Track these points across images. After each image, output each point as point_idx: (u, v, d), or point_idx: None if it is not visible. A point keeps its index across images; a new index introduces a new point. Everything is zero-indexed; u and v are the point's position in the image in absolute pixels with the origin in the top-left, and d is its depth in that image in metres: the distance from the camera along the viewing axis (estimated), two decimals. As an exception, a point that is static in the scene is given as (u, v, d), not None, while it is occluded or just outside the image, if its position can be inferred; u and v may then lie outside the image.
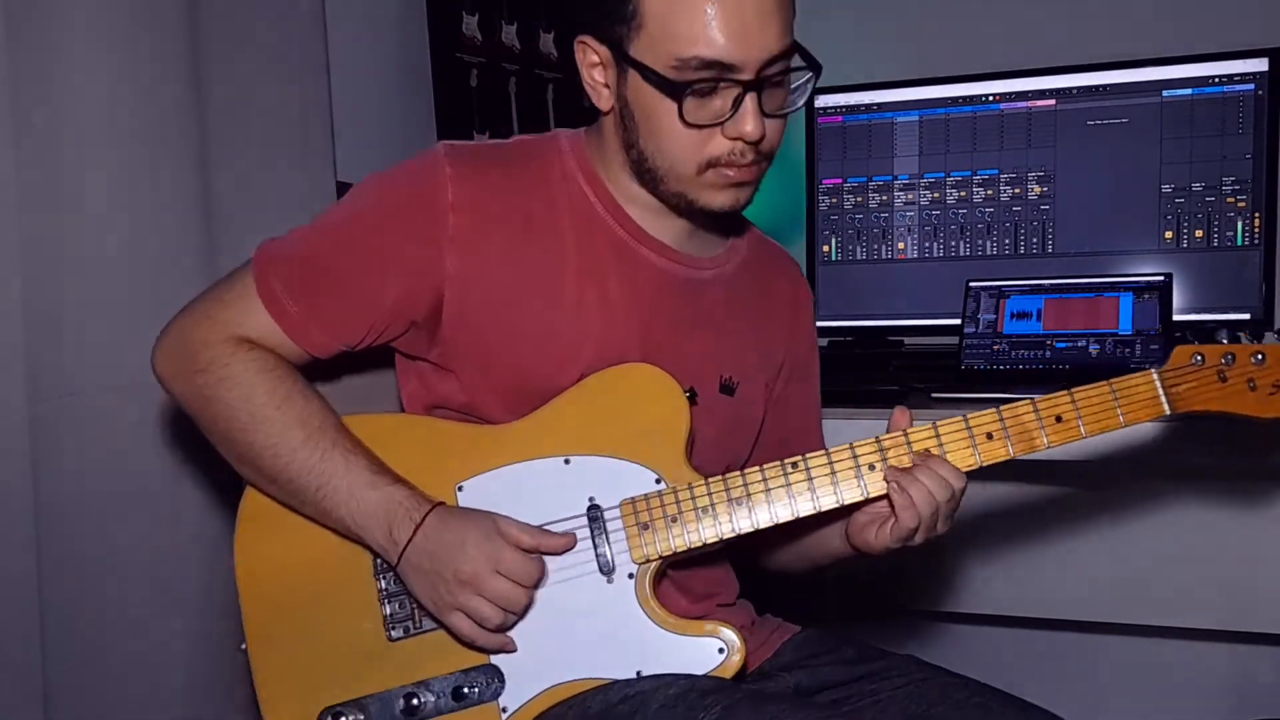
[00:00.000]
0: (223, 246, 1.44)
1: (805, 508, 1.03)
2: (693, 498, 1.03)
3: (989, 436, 1.04)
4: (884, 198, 1.93)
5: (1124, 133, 1.79)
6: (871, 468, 1.03)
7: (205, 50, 1.44)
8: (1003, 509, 1.73)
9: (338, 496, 1.02)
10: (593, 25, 1.04)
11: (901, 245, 1.92)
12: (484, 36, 1.96)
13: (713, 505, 1.03)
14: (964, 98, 1.87)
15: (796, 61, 1.02)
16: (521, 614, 1.01)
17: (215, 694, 1.42)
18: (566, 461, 1.05)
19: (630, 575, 1.03)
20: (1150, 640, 1.96)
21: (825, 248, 1.96)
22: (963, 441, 1.04)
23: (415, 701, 1.02)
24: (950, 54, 2.04)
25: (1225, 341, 1.05)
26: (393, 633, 1.04)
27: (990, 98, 1.86)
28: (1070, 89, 1.81)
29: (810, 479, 1.04)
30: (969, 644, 2.07)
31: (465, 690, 1.02)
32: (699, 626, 1.02)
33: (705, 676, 1.00)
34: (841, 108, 1.94)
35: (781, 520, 1.03)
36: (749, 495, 1.03)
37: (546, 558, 1.02)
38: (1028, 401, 1.04)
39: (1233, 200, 1.73)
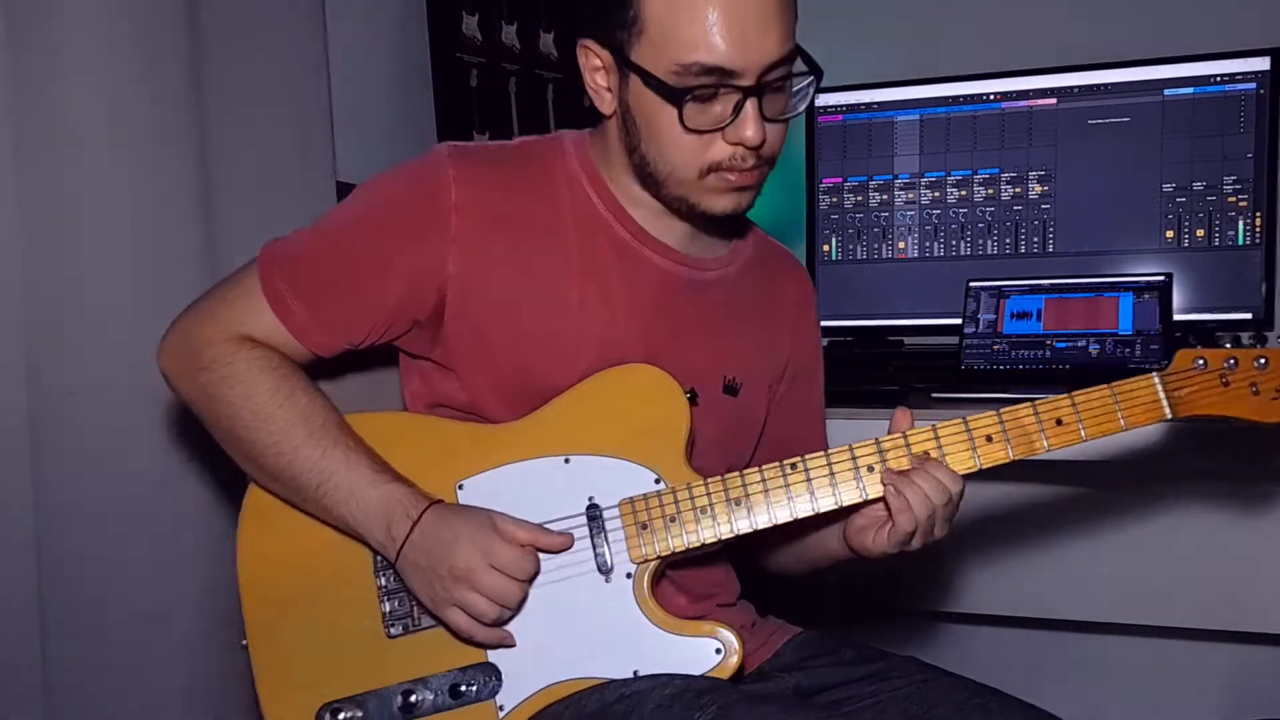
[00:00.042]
0: (223, 246, 1.44)
1: (803, 509, 1.03)
2: (691, 498, 1.03)
3: (988, 439, 1.03)
4: (884, 197, 1.92)
5: (1125, 132, 1.78)
6: (870, 469, 1.03)
7: (205, 50, 1.44)
8: (1003, 509, 1.72)
9: (338, 494, 1.02)
10: (595, 29, 1.04)
11: (902, 245, 1.92)
12: (484, 36, 1.97)
13: (711, 506, 1.03)
14: (964, 96, 1.87)
15: (799, 66, 1.02)
16: (516, 609, 1.01)
17: (215, 694, 1.42)
18: (566, 461, 1.05)
19: (628, 575, 1.03)
20: (1150, 640, 1.96)
21: (825, 247, 1.96)
22: (962, 444, 1.03)
23: (413, 698, 1.03)
24: (950, 53, 2.04)
25: (1228, 346, 1.04)
26: (392, 630, 1.05)
27: (991, 97, 1.86)
28: (1071, 88, 1.81)
29: (809, 480, 1.03)
30: (969, 645, 2.07)
31: (462, 688, 1.02)
32: (696, 627, 1.02)
33: (701, 677, 1.00)
34: (842, 107, 1.94)
35: (779, 521, 1.03)
36: (748, 496, 1.03)
37: (545, 557, 1.02)
38: (1028, 404, 1.04)
39: (1234, 200, 1.73)
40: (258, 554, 1.08)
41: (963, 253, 1.88)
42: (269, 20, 1.54)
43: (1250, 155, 1.72)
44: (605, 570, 1.03)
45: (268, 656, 1.06)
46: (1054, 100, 1.82)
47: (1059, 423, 1.03)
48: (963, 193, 1.88)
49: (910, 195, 1.91)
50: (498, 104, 1.99)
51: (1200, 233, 1.75)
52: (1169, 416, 1.03)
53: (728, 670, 1.01)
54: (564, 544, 1.02)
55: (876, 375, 1.77)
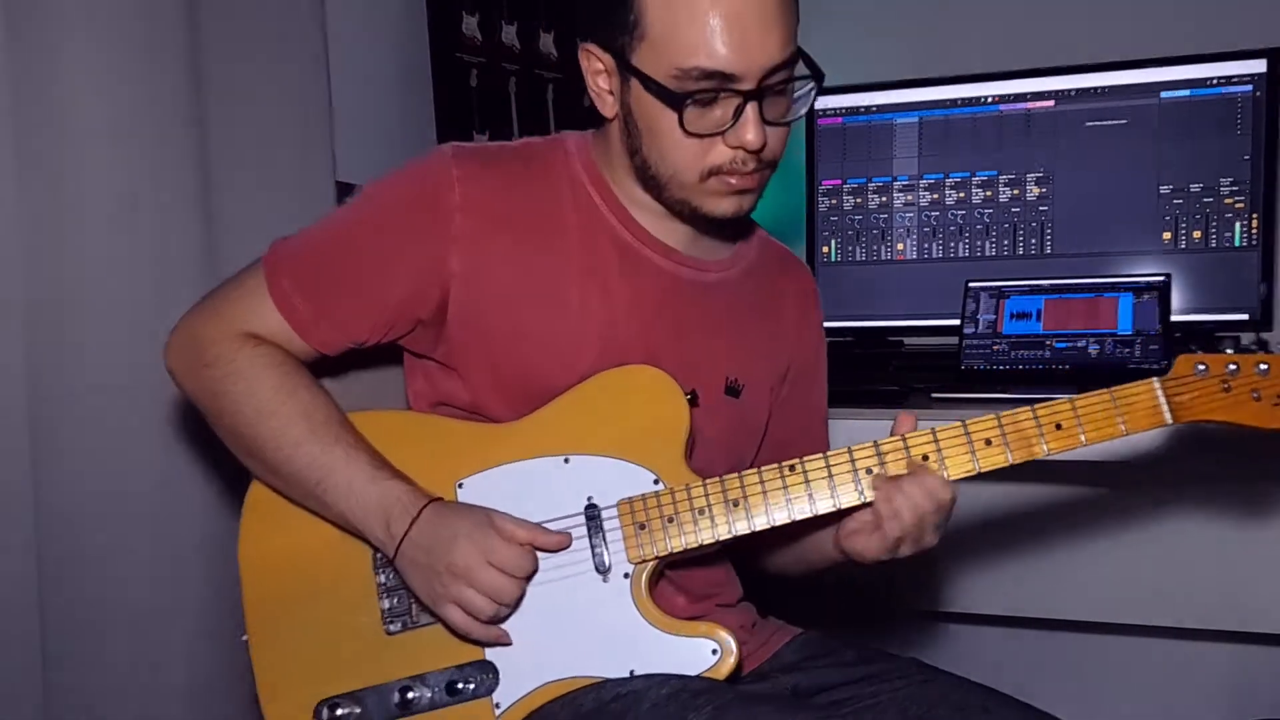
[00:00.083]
0: (223, 246, 1.44)
1: (801, 512, 1.03)
2: (690, 499, 1.03)
3: (988, 443, 1.03)
4: (883, 199, 1.93)
5: (1122, 134, 1.79)
6: (869, 472, 1.03)
7: (205, 50, 1.44)
8: (1003, 509, 1.73)
9: (338, 491, 1.03)
10: (596, 33, 1.04)
11: (901, 246, 1.92)
12: (484, 36, 1.97)
13: (709, 507, 1.03)
14: (963, 99, 1.87)
15: (800, 69, 1.02)
16: (514, 607, 1.01)
17: (215, 693, 1.42)
18: (566, 461, 1.06)
19: (626, 575, 1.03)
20: (1150, 640, 1.96)
21: (825, 249, 1.96)
22: (961, 448, 1.03)
23: (410, 695, 1.03)
24: (950, 55, 2.04)
25: (1229, 350, 1.04)
26: (390, 626, 1.05)
27: (989, 99, 1.86)
28: (1069, 90, 1.81)
29: (807, 483, 1.04)
30: (969, 645, 2.07)
31: (460, 685, 1.03)
32: (693, 627, 1.02)
33: (698, 677, 1.00)
34: (841, 109, 1.94)
35: (777, 523, 1.03)
36: (746, 497, 1.03)
37: (543, 556, 1.02)
38: (1027, 408, 1.03)
39: (1231, 201, 1.73)
40: (258, 549, 1.09)
41: (961, 254, 1.88)
42: (269, 20, 1.55)
43: (1247, 157, 1.72)
44: (603, 570, 1.03)
45: (267, 651, 1.07)
46: (1052, 102, 1.82)
47: (1059, 427, 1.02)
48: (961, 195, 1.88)
49: (909, 197, 1.91)
50: (498, 104, 1.99)
51: (1197, 234, 1.75)
52: (1169, 422, 1.02)
53: (724, 671, 1.01)
54: (562, 543, 1.03)
55: (876, 375, 1.77)
